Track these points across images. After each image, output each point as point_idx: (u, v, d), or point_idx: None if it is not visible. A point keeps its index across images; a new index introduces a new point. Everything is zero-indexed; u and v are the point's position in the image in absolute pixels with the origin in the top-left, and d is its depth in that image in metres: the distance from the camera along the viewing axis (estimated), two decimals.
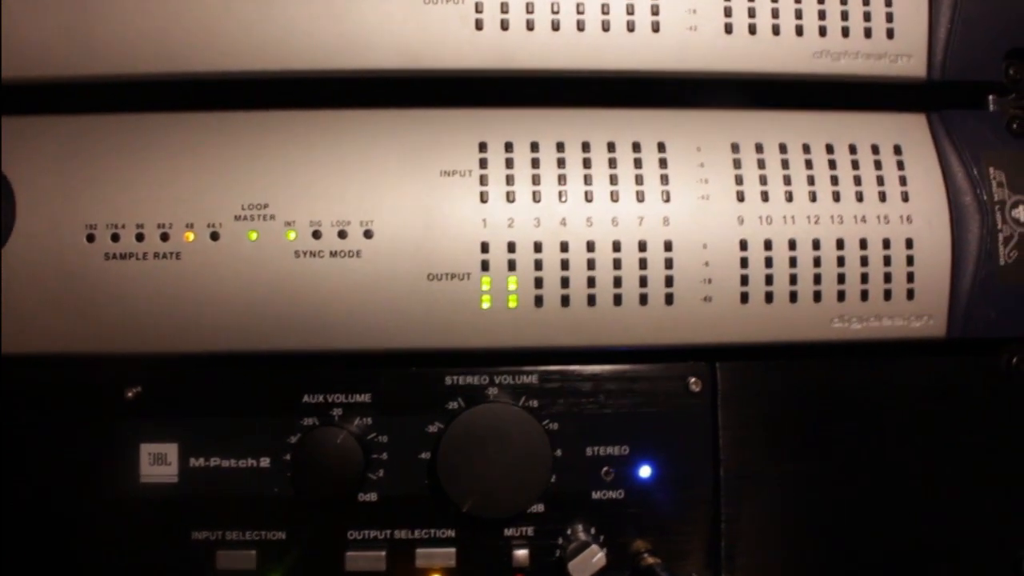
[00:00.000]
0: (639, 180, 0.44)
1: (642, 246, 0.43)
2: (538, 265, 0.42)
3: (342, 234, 0.42)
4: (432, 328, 0.42)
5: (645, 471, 0.44)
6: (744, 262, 0.43)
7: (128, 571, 0.43)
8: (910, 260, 0.45)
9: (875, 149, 0.46)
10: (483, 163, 0.43)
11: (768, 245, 0.44)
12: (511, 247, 0.42)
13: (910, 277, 0.45)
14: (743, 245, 0.43)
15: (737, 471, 0.45)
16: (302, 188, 0.43)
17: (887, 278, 0.44)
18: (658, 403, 0.45)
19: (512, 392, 0.44)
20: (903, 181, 0.45)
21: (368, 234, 0.42)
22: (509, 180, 0.43)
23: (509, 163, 0.43)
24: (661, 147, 0.44)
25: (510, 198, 0.43)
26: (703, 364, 0.45)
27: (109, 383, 0.44)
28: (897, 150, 0.46)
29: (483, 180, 0.43)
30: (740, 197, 0.44)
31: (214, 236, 0.42)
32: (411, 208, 0.43)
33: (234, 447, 0.44)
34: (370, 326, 0.42)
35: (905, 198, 0.45)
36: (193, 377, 0.44)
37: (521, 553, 0.44)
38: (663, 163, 0.44)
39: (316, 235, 0.42)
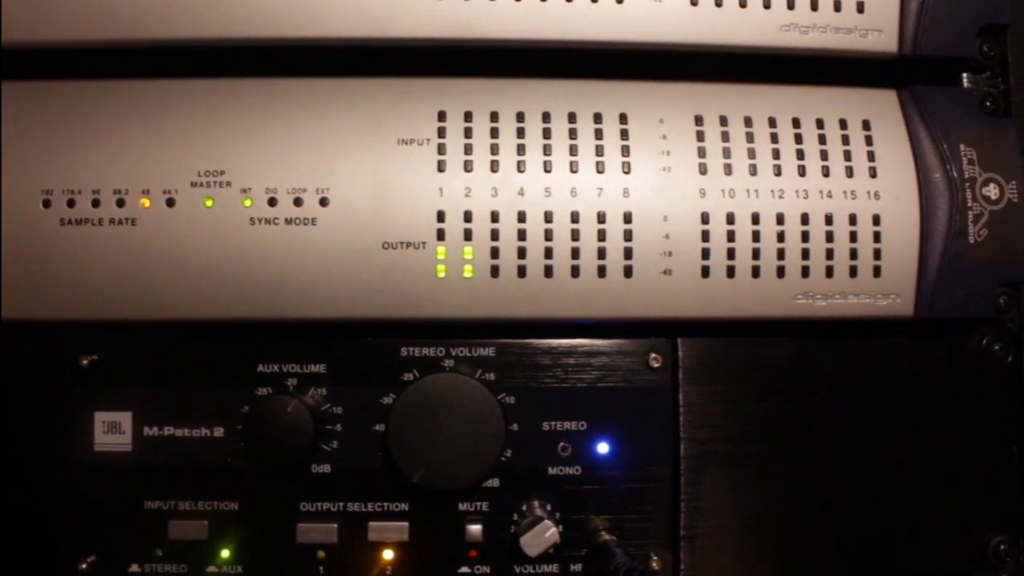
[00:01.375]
0: (599, 151, 0.43)
1: (601, 217, 0.42)
2: (494, 235, 0.42)
3: (298, 202, 0.42)
4: (387, 297, 0.42)
5: (603, 447, 0.44)
6: (705, 235, 0.43)
7: (80, 540, 0.43)
8: (877, 237, 0.44)
9: (843, 124, 0.45)
10: (441, 132, 0.43)
11: (730, 219, 0.43)
12: (467, 216, 0.42)
13: (877, 254, 0.44)
14: (704, 218, 0.43)
15: (698, 449, 0.44)
16: (258, 155, 0.42)
17: (853, 254, 0.44)
18: (617, 378, 0.44)
19: (469, 364, 0.43)
20: (871, 156, 0.44)
21: (324, 202, 0.42)
22: (467, 149, 0.43)
23: (468, 132, 0.43)
24: (623, 118, 0.44)
25: (468, 168, 0.42)
26: (664, 340, 0.44)
27: (64, 350, 0.43)
28: (866, 125, 0.45)
29: (441, 149, 0.42)
30: (703, 170, 0.43)
31: (170, 203, 0.42)
32: (367, 176, 0.42)
33: (188, 416, 0.43)
34: (325, 295, 0.42)
35: (873, 174, 0.44)
36: (148, 345, 0.44)
37: (475, 528, 0.43)
38: (624, 134, 0.43)
39: (272, 203, 0.42)
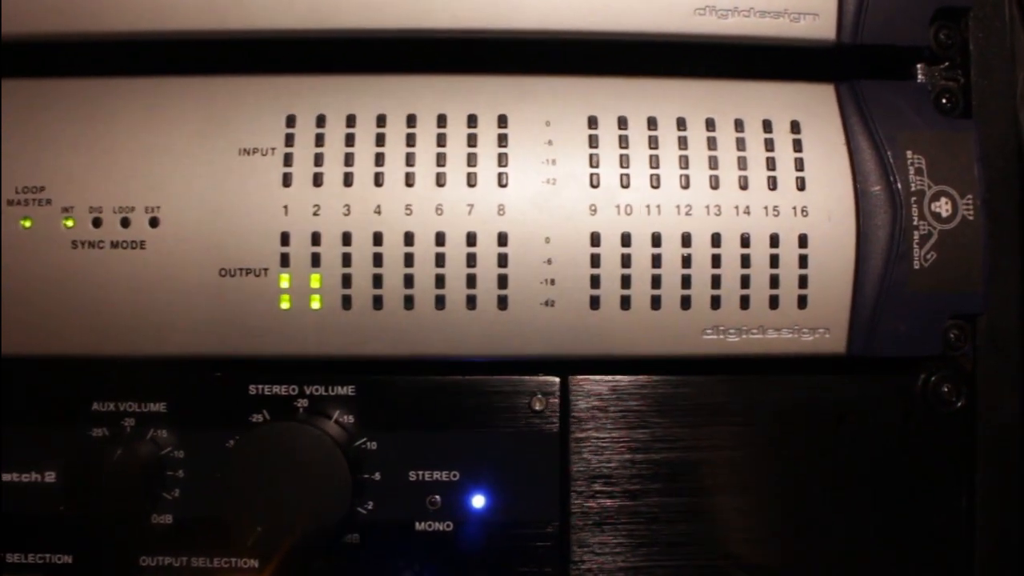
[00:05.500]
0: (471, 160, 0.37)
1: (470, 239, 0.36)
2: (346, 260, 0.36)
3: (125, 222, 0.37)
4: (224, 331, 0.37)
5: (479, 501, 0.38)
6: (595, 260, 0.37)
7: None
8: (803, 261, 0.37)
9: (767, 126, 0.38)
10: (289, 140, 0.37)
11: (626, 240, 0.37)
12: (315, 239, 0.36)
13: (802, 281, 0.37)
14: (595, 240, 0.37)
15: (590, 504, 0.39)
16: (82, 169, 0.37)
17: (773, 282, 0.37)
18: (496, 422, 0.38)
19: (325, 404, 0.38)
20: (799, 165, 0.38)
21: (154, 222, 0.37)
22: (318, 160, 0.37)
23: (319, 140, 0.37)
24: (502, 121, 0.37)
25: (317, 181, 0.37)
26: (551, 378, 0.39)
27: None
28: (795, 127, 0.38)
29: (288, 160, 0.37)
30: (594, 182, 0.37)
31: None
32: (203, 193, 0.37)
33: (17, 460, 0.39)
34: (155, 328, 0.37)
35: (801, 186, 0.38)
36: None
37: None
38: (502, 140, 0.37)
39: (96, 223, 0.37)
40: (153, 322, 0.37)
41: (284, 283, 0.36)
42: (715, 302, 0.37)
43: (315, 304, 0.36)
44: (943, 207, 0.37)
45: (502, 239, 0.36)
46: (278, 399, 0.38)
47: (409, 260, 0.36)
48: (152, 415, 0.39)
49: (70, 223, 0.37)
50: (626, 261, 0.37)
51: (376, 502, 0.38)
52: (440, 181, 0.37)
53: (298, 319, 0.36)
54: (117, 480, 0.37)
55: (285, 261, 0.36)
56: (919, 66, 0.40)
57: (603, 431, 0.39)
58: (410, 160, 0.37)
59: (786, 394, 0.39)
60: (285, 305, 0.36)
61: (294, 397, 0.38)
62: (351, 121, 0.37)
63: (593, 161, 0.37)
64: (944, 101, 0.39)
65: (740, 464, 0.39)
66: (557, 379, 0.39)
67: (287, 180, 0.37)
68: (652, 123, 0.38)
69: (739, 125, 0.38)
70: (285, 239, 0.36)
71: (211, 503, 0.38)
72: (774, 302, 0.37)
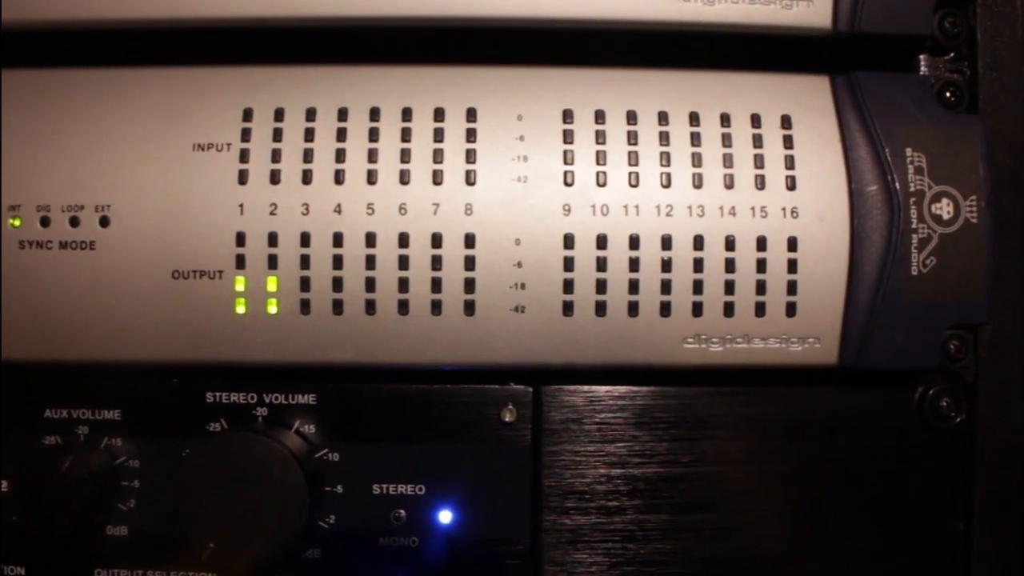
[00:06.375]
0: (437, 157, 0.35)
1: (436, 240, 0.34)
2: (304, 262, 0.34)
3: (74, 221, 0.35)
4: (178, 336, 0.35)
5: (445, 516, 0.36)
6: (569, 263, 0.34)
7: None
8: (792, 266, 0.35)
9: (755, 120, 0.36)
10: (246, 135, 0.35)
11: (602, 243, 0.34)
12: (272, 239, 0.34)
13: (791, 287, 0.35)
14: (568, 242, 0.34)
15: (563, 520, 0.37)
16: (29, 165, 0.35)
17: (760, 288, 0.35)
18: (464, 434, 0.36)
19: (285, 414, 0.37)
20: (790, 162, 0.35)
21: (104, 222, 0.35)
22: (275, 156, 0.35)
23: (277, 135, 0.35)
24: (471, 114, 0.35)
25: (275, 179, 0.35)
26: (522, 388, 0.37)
27: None
28: (785, 122, 0.36)
29: (244, 156, 0.35)
30: (568, 180, 0.35)
31: None
32: (155, 191, 0.35)
33: None
34: (106, 331, 0.35)
35: (791, 185, 0.35)
36: None
37: None
38: (470, 135, 0.35)
39: (44, 222, 0.35)
40: (105, 326, 0.35)
41: (239, 286, 0.34)
42: (697, 309, 0.35)
43: (272, 308, 0.35)
44: (944, 209, 0.35)
45: (469, 241, 0.34)
46: (236, 407, 0.37)
47: (371, 262, 0.34)
48: (106, 423, 0.37)
49: (17, 222, 0.35)
50: (602, 265, 0.34)
51: (338, 516, 0.36)
52: (404, 179, 0.34)
53: (254, 324, 0.35)
54: (70, 490, 0.35)
55: (241, 263, 0.34)
56: (922, 57, 0.37)
57: (577, 444, 0.37)
58: (372, 156, 0.35)
59: (773, 407, 0.37)
60: (241, 309, 0.35)
61: (253, 405, 0.37)
62: (311, 115, 0.35)
63: (567, 158, 0.35)
64: (948, 95, 0.36)
65: (723, 480, 0.37)
66: (529, 389, 0.37)
67: (243, 177, 0.35)
68: (631, 117, 0.35)
69: (725, 120, 0.36)
70: (241, 239, 0.34)
71: (167, 515, 0.37)
72: (761, 309, 0.35)
